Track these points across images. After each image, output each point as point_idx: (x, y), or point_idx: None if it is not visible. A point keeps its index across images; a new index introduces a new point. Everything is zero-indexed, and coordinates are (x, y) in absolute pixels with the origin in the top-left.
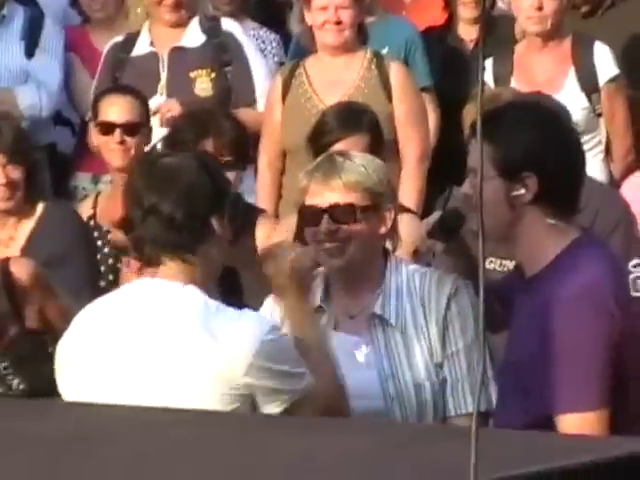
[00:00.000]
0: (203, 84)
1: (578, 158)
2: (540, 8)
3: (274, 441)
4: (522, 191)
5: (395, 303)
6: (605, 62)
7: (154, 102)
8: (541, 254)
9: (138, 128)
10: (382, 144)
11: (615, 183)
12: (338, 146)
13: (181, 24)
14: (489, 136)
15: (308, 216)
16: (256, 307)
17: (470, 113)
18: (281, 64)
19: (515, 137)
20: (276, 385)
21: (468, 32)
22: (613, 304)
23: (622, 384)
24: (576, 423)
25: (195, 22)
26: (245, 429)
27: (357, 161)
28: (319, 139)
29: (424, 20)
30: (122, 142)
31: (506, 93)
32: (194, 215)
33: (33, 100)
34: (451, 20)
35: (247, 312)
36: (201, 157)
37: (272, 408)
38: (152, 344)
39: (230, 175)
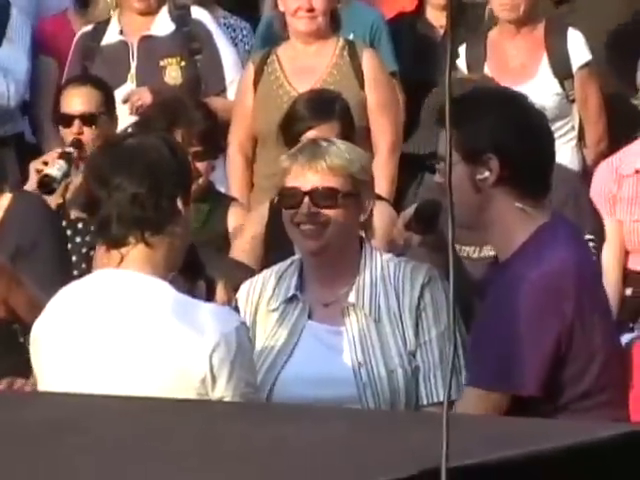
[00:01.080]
0: (173, 72)
1: (542, 140)
2: None
3: (246, 428)
4: (486, 174)
5: (369, 292)
6: (578, 48)
7: (124, 90)
8: (510, 240)
9: (96, 118)
10: (353, 132)
11: (588, 169)
12: (310, 134)
13: (150, 12)
14: (452, 122)
15: (288, 198)
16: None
17: (437, 94)
18: (248, 53)
19: (475, 120)
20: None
21: (438, 18)
22: (572, 292)
23: (569, 369)
24: (471, 398)
25: (164, 10)
26: (217, 417)
27: (342, 147)
28: (290, 127)
29: (394, 7)
30: (80, 133)
31: (477, 79)
32: (159, 192)
33: (0, 89)
34: (421, 6)
35: (215, 305)
36: (165, 138)
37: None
38: (123, 335)
39: (200, 165)
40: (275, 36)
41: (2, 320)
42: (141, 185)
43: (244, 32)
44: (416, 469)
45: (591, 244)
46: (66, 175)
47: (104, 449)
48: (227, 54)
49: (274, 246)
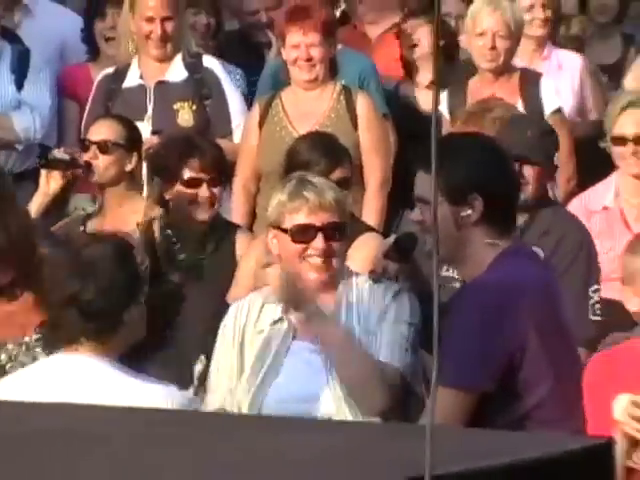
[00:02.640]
0: (185, 115)
1: (514, 180)
2: (493, 47)
3: (245, 439)
4: (469, 212)
5: (345, 310)
6: (549, 95)
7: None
8: (480, 271)
9: (110, 148)
10: (354, 172)
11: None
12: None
13: (166, 59)
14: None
15: (301, 234)
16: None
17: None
18: (242, 95)
19: (458, 162)
20: None
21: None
22: (528, 302)
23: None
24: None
25: (178, 58)
26: (219, 428)
27: (328, 183)
28: (296, 169)
29: (384, 56)
30: (93, 158)
31: (497, 109)
32: (112, 305)
33: (28, 123)
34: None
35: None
36: (121, 247)
37: None
38: None
39: (216, 191)
40: (279, 81)
41: None
42: (96, 299)
43: (237, 77)
44: (402, 477)
45: (597, 294)
46: (67, 164)
47: (115, 460)
48: (234, 100)
49: None
